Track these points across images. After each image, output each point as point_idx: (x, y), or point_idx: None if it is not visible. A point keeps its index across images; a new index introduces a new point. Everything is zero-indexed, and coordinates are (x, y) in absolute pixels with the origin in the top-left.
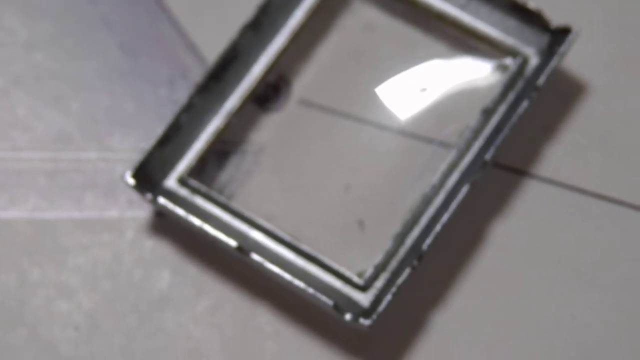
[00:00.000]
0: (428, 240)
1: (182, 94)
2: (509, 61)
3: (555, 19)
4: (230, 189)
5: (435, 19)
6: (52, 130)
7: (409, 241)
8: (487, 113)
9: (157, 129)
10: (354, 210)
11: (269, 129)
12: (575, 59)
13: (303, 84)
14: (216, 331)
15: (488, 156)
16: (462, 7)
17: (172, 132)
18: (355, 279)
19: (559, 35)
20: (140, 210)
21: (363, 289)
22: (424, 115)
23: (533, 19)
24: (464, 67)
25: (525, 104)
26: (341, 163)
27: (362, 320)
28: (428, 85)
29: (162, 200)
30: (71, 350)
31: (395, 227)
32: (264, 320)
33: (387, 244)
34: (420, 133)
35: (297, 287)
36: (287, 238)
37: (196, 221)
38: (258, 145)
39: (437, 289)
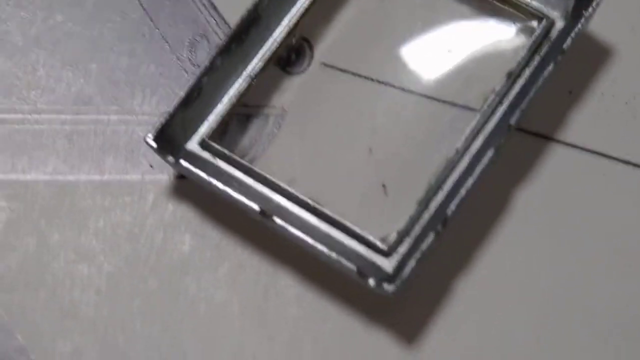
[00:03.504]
0: (452, 206)
1: (203, 56)
2: (534, 24)
3: None
4: (252, 152)
5: None
6: (71, 92)
7: (433, 206)
8: (512, 77)
9: (178, 92)
10: (376, 174)
11: (291, 91)
12: (601, 22)
13: (326, 46)
14: (237, 295)
15: (513, 120)
16: None
17: (194, 94)
18: (379, 244)
19: None
20: (162, 173)
21: (386, 254)
22: (448, 78)
23: None
24: (489, 30)
25: (550, 67)
26: (364, 126)
27: (386, 286)
28: (453, 47)
29: (184, 162)
30: (92, 313)
31: (419, 191)
32: (285, 284)
33: (410, 208)
34: (444, 96)
35: (320, 252)
36: (310, 202)
37: (219, 184)
38: (280, 108)
39: (461, 255)
